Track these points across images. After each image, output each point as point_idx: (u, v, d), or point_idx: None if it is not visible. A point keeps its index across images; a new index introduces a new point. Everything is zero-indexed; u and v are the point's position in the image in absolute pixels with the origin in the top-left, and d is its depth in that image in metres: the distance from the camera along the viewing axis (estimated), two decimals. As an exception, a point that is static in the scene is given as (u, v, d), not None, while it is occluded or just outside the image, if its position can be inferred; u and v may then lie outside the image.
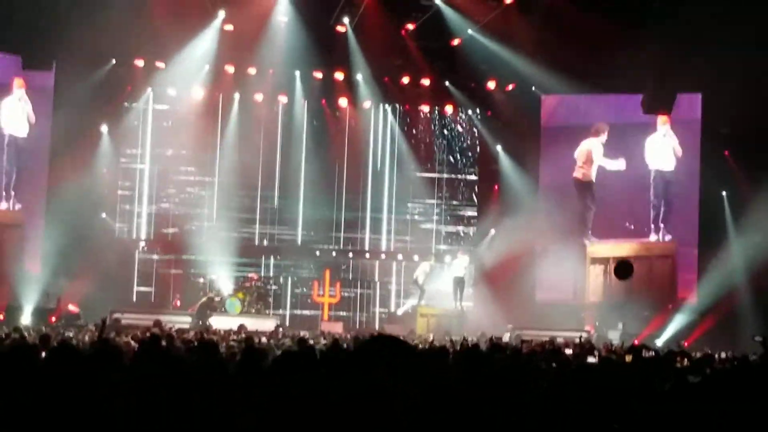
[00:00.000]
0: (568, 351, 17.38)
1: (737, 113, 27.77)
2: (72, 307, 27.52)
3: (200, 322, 27.59)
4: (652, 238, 30.61)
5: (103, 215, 31.45)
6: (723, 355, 19.26)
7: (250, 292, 30.43)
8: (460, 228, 33.87)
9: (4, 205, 29.07)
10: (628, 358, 14.07)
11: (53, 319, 25.93)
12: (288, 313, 32.78)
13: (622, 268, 20.31)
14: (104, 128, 31.45)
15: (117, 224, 32.18)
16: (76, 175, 29.58)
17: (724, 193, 30.26)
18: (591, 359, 15.60)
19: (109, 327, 23.42)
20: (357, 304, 33.55)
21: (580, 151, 30.68)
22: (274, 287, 32.96)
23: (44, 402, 7.24)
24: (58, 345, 12.71)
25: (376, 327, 30.61)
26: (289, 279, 33.44)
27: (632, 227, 31.04)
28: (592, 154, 30.56)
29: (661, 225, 30.56)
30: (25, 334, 17.13)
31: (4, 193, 29.07)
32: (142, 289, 32.55)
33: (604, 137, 30.57)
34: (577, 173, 30.86)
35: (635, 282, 26.99)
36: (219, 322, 25.88)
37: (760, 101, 26.45)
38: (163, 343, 13.08)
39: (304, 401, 8.36)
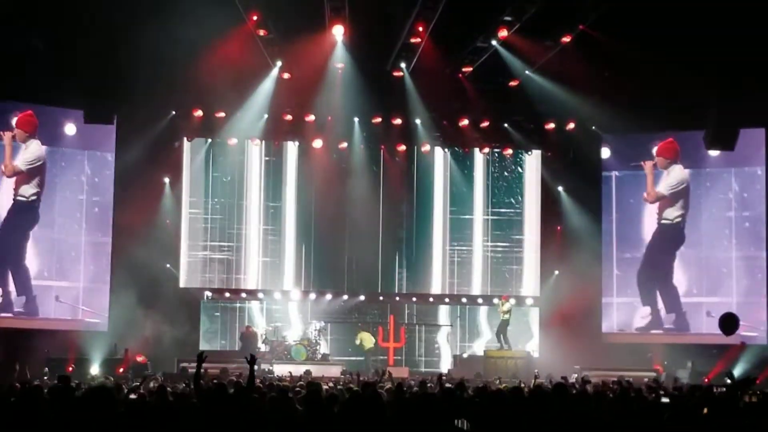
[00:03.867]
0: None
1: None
2: (139, 358, 27.86)
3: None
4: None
5: (168, 265, 31.76)
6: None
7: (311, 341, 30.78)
8: (514, 269, 33.73)
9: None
10: (705, 410, 13.47)
11: (121, 370, 26.22)
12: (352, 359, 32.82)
13: (729, 323, 17.96)
14: (166, 179, 31.90)
15: (181, 274, 32.44)
16: (140, 225, 30.17)
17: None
18: (664, 399, 15.56)
19: (177, 376, 23.82)
20: (423, 348, 33.64)
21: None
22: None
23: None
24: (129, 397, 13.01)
25: (443, 370, 30.54)
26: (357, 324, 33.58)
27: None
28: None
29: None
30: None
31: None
32: (209, 337, 32.83)
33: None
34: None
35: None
36: (285, 369, 26.06)
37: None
38: (231, 390, 13.27)
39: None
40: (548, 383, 19.35)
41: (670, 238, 31.24)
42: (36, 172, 29.40)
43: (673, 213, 31.15)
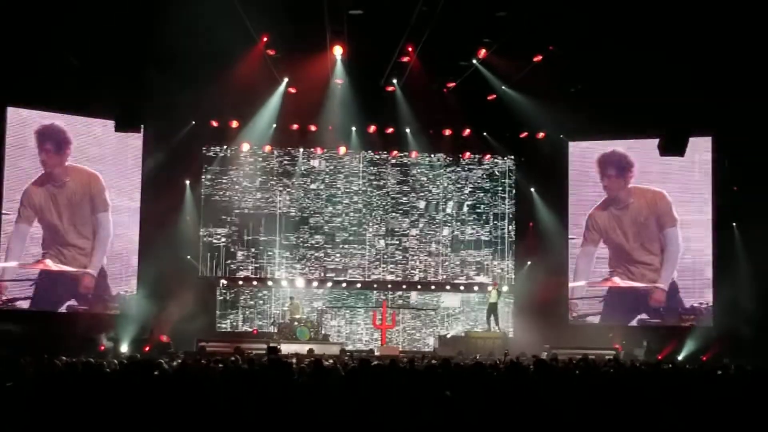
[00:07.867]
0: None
1: (744, 152, 27.90)
2: (164, 338, 27.87)
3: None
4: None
5: (188, 257, 31.88)
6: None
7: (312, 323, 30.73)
8: (496, 261, 33.77)
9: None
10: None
11: (147, 348, 26.21)
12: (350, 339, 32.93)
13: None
14: (187, 181, 31.98)
15: (200, 264, 32.55)
16: (164, 221, 30.32)
17: (734, 224, 30.02)
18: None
19: (196, 353, 23.81)
20: (411, 329, 33.67)
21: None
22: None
23: (157, 409, 7.49)
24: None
25: (429, 349, 30.61)
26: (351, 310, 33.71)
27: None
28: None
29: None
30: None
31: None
32: (224, 320, 32.89)
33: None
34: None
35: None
36: (291, 348, 26.06)
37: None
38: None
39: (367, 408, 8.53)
40: (527, 359, 19.45)
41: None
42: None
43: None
